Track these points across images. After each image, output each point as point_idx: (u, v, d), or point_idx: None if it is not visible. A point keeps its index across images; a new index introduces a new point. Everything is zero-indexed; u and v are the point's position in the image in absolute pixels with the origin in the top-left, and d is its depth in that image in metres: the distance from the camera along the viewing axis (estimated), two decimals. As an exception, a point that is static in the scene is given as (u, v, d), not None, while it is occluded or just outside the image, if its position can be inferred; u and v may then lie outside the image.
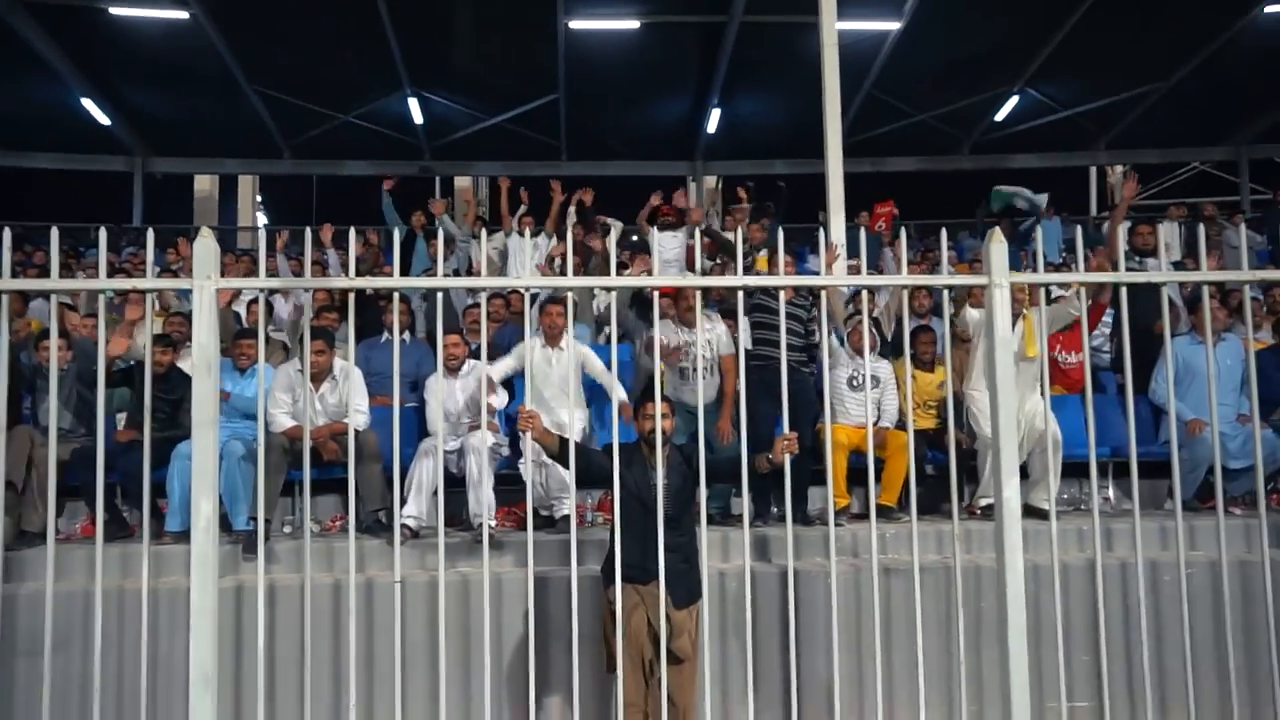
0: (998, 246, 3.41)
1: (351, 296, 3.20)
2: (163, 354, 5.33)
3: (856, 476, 5.54)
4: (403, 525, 4.92)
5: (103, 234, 3.08)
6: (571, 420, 3.84)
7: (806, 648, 4.28)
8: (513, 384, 5.79)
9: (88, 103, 13.84)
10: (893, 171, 16.98)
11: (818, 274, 4.68)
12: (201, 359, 3.08)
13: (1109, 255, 5.85)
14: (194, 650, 3.07)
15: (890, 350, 6.30)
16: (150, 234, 3.17)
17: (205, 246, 3.11)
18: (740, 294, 3.35)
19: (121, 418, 5.71)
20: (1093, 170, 18.47)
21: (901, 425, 5.48)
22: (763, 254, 6.67)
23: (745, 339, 5.11)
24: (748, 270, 5.82)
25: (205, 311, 3.08)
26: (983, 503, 5.54)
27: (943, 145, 16.54)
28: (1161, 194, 19.56)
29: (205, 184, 17.10)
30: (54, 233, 2.99)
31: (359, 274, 3.24)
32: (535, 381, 4.95)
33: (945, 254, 3.49)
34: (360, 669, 4.25)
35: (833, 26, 8.57)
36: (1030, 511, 5.49)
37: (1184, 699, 3.55)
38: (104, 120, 14.37)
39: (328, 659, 4.43)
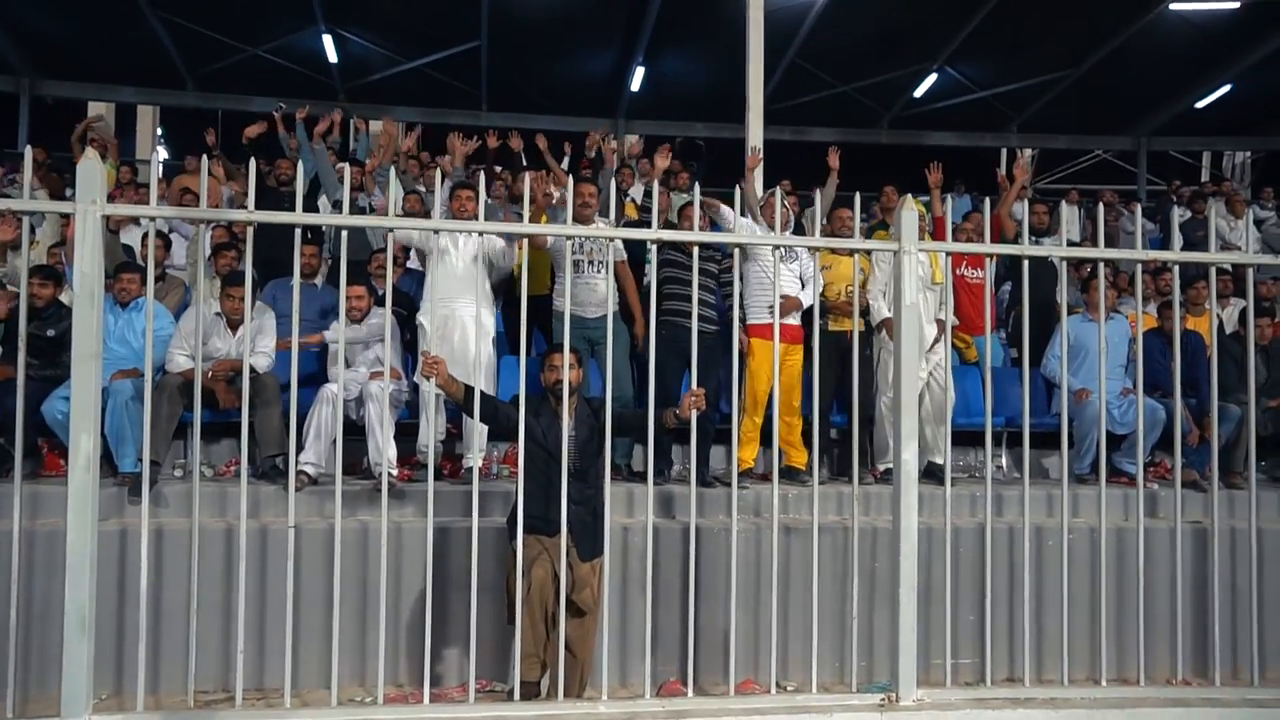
0: (908, 214, 3.47)
1: (250, 231, 3.06)
2: (41, 287, 5.04)
3: (764, 435, 5.58)
4: (300, 471, 4.78)
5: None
6: (479, 316, 3.70)
7: (706, 603, 4.33)
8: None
9: (-29, 17, 12.87)
10: (813, 141, 17.12)
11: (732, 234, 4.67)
12: (84, 288, 2.92)
13: (999, 227, 6.04)
14: (70, 592, 2.94)
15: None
16: (29, 152, 2.96)
17: (90, 168, 2.93)
18: (653, 247, 3.34)
19: None
20: (1004, 151, 18.99)
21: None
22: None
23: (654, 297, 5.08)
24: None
25: (90, 237, 2.91)
26: (883, 467, 5.69)
27: (863, 118, 16.74)
28: (1065, 179, 20.25)
29: (100, 112, 16.15)
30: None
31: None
32: (435, 274, 4.71)
33: (858, 222, 3.55)
34: (252, 617, 4.14)
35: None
36: (929, 474, 5.70)
37: (1058, 655, 3.75)
38: (-12, 37, 13.40)
39: (219, 607, 4.30)
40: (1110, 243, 6.83)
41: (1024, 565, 3.72)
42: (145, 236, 4.16)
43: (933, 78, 15.12)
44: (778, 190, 3.53)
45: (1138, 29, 13.19)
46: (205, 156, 3.41)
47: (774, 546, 3.57)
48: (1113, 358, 5.71)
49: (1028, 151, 19.34)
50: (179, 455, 5.44)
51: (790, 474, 5.47)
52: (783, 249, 5.19)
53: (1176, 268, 3.85)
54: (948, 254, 3.74)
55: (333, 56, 14.05)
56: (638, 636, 4.05)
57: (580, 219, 4.80)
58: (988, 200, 3.79)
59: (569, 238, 3.73)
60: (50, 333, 4.99)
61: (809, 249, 4.66)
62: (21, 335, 2.92)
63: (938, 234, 6.15)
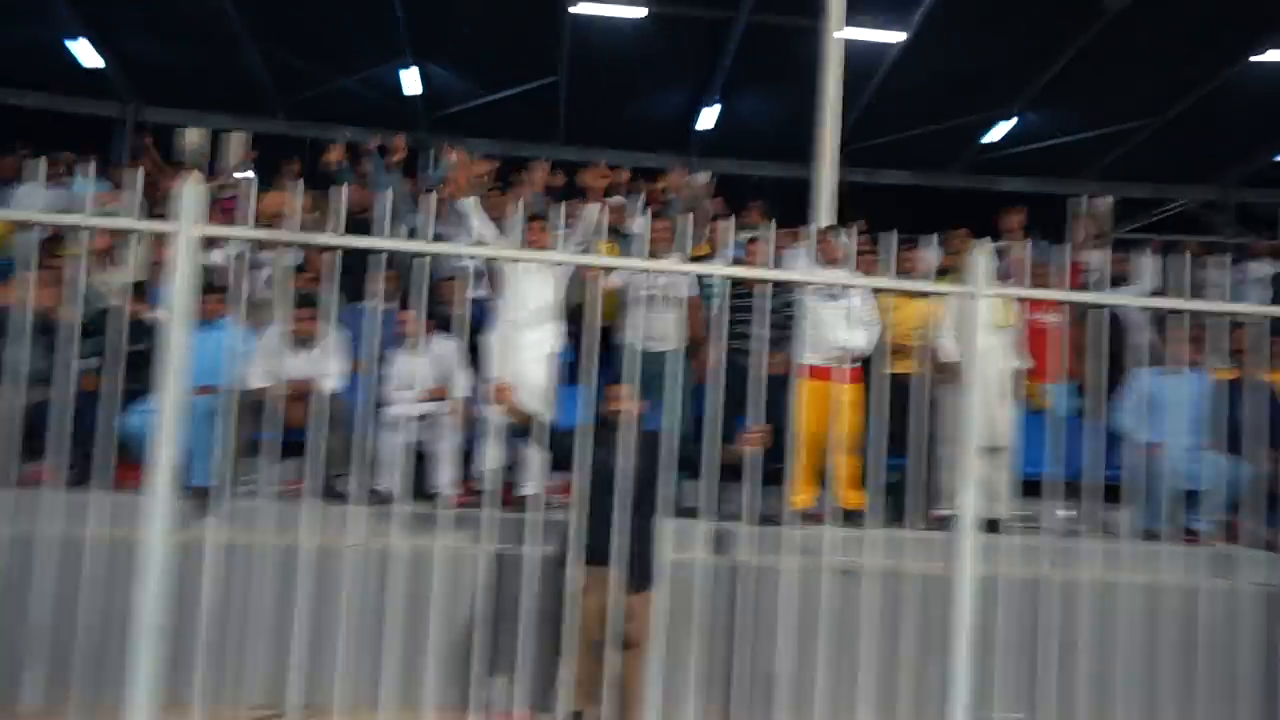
0: (983, 257, 3.45)
1: (338, 256, 3.20)
2: (136, 303, 5.27)
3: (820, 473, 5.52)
4: (373, 490, 4.91)
5: (92, 167, 3.06)
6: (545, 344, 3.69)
7: (756, 643, 4.30)
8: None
9: (82, 43, 13.61)
10: (885, 183, 17.04)
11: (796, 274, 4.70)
12: (179, 307, 3.06)
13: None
14: (144, 602, 3.06)
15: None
16: (140, 174, 3.14)
17: (192, 191, 3.08)
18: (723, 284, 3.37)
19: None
20: (1082, 200, 18.64)
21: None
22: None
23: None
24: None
25: (186, 258, 3.06)
26: (944, 512, 5.59)
27: (936, 161, 16.62)
28: (1146, 229, 19.75)
29: (196, 137, 16.85)
30: (42, 165, 2.96)
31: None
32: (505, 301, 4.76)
33: (932, 262, 3.54)
34: (307, 634, 4.23)
35: (838, 32, 8.59)
36: (991, 525, 5.58)
37: (1114, 715, 3.64)
38: (97, 62, 14.15)
39: (274, 622, 4.40)
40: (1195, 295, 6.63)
41: (1083, 620, 3.63)
42: (231, 258, 4.34)
43: (1010, 122, 14.96)
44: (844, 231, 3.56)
45: (1226, 78, 12.90)
46: (294, 182, 3.57)
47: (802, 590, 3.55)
48: (1188, 412, 5.54)
49: (1106, 199, 18.92)
50: (244, 472, 5.61)
51: (847, 517, 5.41)
52: (833, 289, 5.22)
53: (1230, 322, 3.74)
54: (1020, 299, 3.70)
55: (416, 88, 14.50)
56: (686, 672, 4.04)
57: (653, 255, 4.87)
58: (1066, 248, 3.75)
59: (641, 271, 3.79)
60: (141, 346, 5.19)
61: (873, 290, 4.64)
62: (122, 351, 3.07)
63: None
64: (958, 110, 14.59)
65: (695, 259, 6.53)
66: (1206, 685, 3.59)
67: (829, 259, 5.45)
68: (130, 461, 5.44)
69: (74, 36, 13.36)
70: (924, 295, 5.62)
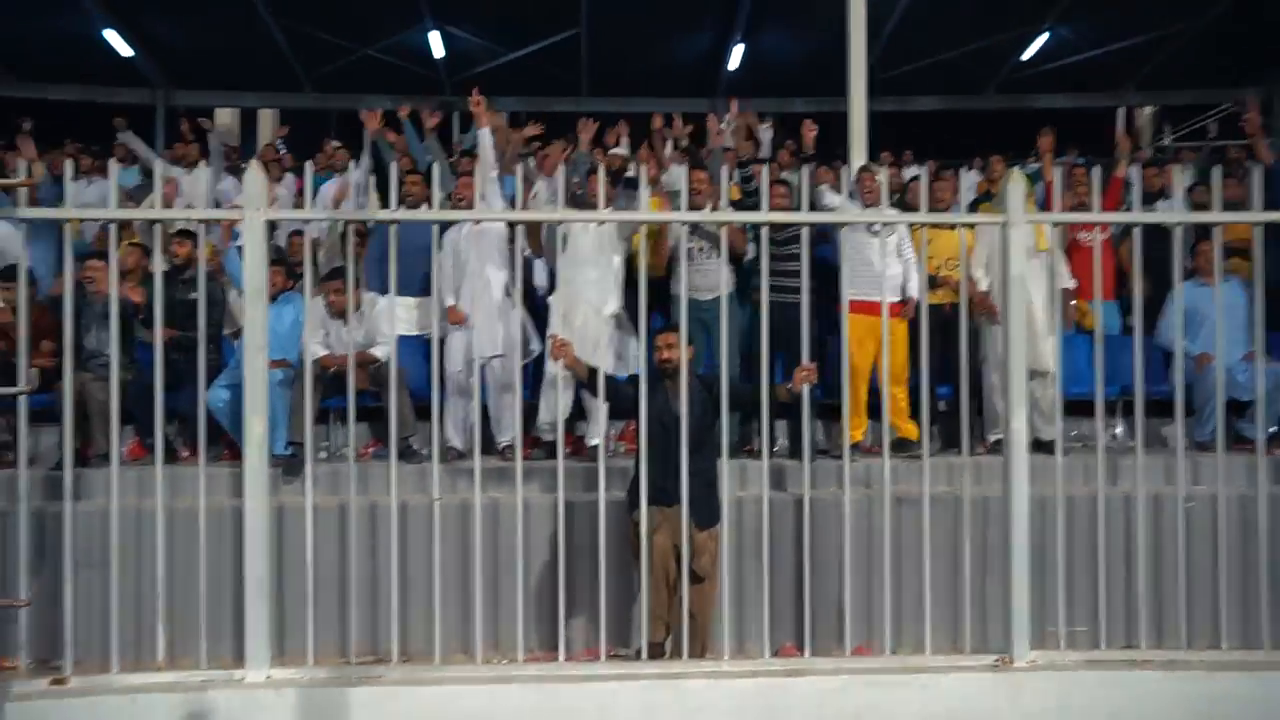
0: (1015, 186, 3.52)
1: (393, 231, 3.35)
2: (180, 245, 5.39)
3: (873, 404, 5.65)
4: (449, 447, 5.12)
5: (158, 165, 3.23)
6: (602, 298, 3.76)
7: (820, 573, 4.47)
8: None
9: (110, 34, 13.82)
10: (918, 110, 16.77)
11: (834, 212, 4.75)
12: (253, 287, 3.26)
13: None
14: (249, 561, 3.31)
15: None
16: (206, 170, 3.32)
17: (255, 178, 3.26)
18: (764, 229, 3.48)
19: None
20: (1121, 111, 18.18)
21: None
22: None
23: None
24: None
25: (255, 242, 3.24)
26: (993, 438, 5.70)
27: (969, 84, 16.30)
28: (1190, 135, 19.24)
29: (225, 118, 17.08)
30: (113, 165, 3.14)
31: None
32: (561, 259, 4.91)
33: (964, 194, 3.61)
34: (397, 589, 4.50)
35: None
36: (1040, 446, 5.67)
37: (1178, 626, 3.76)
38: (126, 51, 14.36)
39: (366, 578, 4.67)
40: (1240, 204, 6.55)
41: (1138, 534, 3.74)
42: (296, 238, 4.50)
43: (1042, 38, 14.61)
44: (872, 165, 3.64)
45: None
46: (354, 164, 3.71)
47: (885, 518, 3.70)
48: (1229, 321, 5.55)
49: (1147, 109, 18.47)
50: (322, 439, 5.87)
51: (902, 446, 5.53)
52: (874, 225, 5.27)
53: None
54: (1053, 224, 3.76)
55: (439, 52, 14.52)
56: (755, 604, 4.24)
57: (693, 206, 4.97)
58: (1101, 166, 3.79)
59: (683, 224, 3.91)
60: (192, 295, 5.40)
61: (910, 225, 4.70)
62: (201, 353, 3.27)
63: (1048, 202, 6.06)
64: (988, 29, 14.26)
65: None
66: (1270, 593, 3.70)
67: (868, 198, 5.50)
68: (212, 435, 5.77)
69: (104, 27, 13.56)
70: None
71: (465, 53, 14.74)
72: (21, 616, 3.58)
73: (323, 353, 5.32)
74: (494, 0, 13.18)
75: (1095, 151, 13.77)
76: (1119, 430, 6.28)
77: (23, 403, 3.43)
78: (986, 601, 4.76)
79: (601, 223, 3.69)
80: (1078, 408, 5.87)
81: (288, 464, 5.10)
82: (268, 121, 18.63)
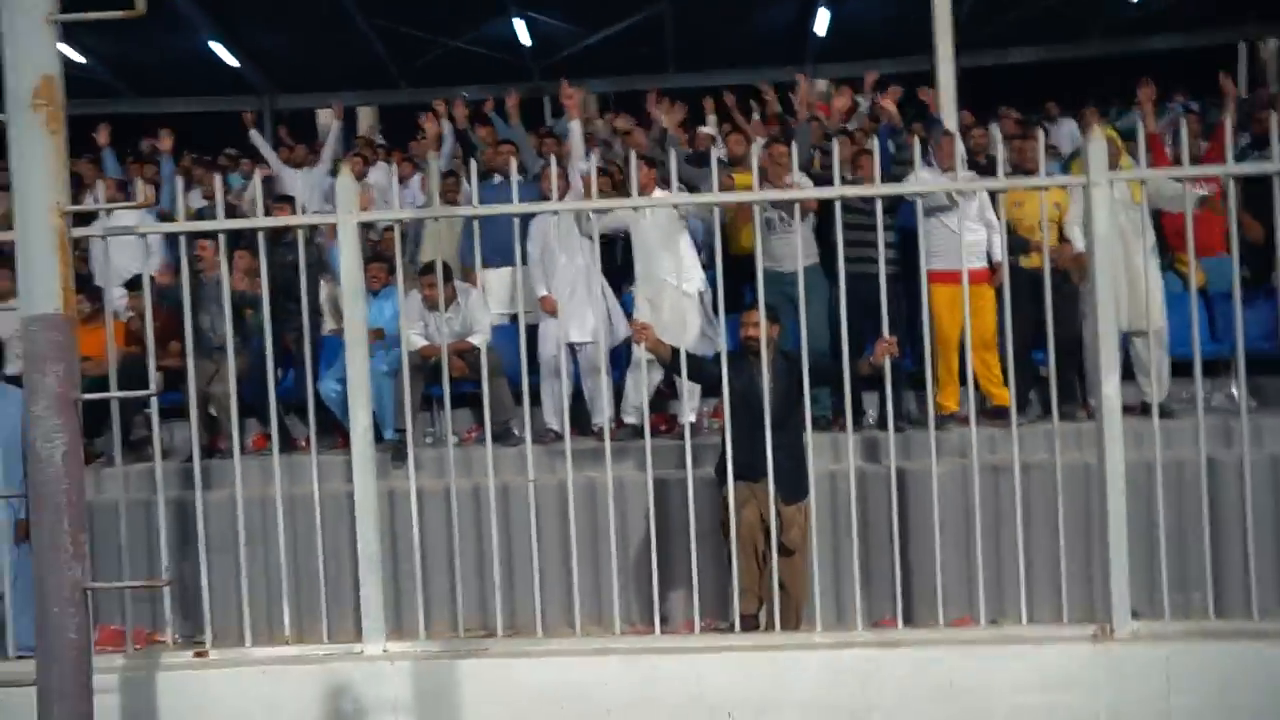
0: (1097, 144, 3.43)
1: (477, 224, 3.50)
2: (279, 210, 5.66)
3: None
4: (547, 429, 5.31)
5: (257, 178, 3.47)
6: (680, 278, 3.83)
7: (917, 544, 4.47)
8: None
9: (216, 46, 14.52)
10: (1016, 63, 16.13)
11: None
12: (350, 287, 3.46)
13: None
14: (361, 541, 3.54)
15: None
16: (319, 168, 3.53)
17: (346, 183, 3.45)
18: (837, 204, 3.49)
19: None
20: (1241, 47, 17.05)
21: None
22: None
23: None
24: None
25: (350, 245, 3.44)
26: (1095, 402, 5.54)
27: (1071, 30, 15.55)
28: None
29: (326, 118, 17.74)
30: (217, 180, 3.38)
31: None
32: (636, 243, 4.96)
33: (1042, 155, 3.54)
34: (501, 566, 4.71)
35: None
36: (1148, 409, 5.49)
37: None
38: (232, 62, 15.07)
39: (471, 557, 4.90)
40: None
41: (1248, 499, 3.62)
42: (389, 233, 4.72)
43: (1149, -28, 13.83)
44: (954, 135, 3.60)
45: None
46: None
47: (976, 488, 3.68)
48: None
49: (1273, 43, 17.27)
50: (427, 425, 6.15)
51: (999, 414, 5.45)
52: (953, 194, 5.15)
53: None
54: (1143, 182, 3.64)
55: (525, 39, 14.73)
56: (851, 578, 4.27)
57: (772, 178, 4.98)
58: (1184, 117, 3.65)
59: (755, 203, 3.95)
60: (290, 258, 5.70)
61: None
62: (309, 379, 3.50)
63: (1155, 154, 5.81)
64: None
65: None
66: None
67: (945, 165, 5.41)
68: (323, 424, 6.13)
69: (210, 40, 14.27)
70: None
71: (550, 37, 14.91)
72: (165, 596, 3.92)
73: (422, 343, 5.57)
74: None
75: (1214, 93, 13.00)
76: (1233, 392, 6.01)
77: (154, 403, 3.74)
78: (1092, 571, 4.68)
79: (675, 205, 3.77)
80: (1184, 368, 5.67)
81: (395, 449, 5.38)
82: (367, 119, 19.29)
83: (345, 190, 3.42)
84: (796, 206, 3.92)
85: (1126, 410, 4.91)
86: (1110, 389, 3.45)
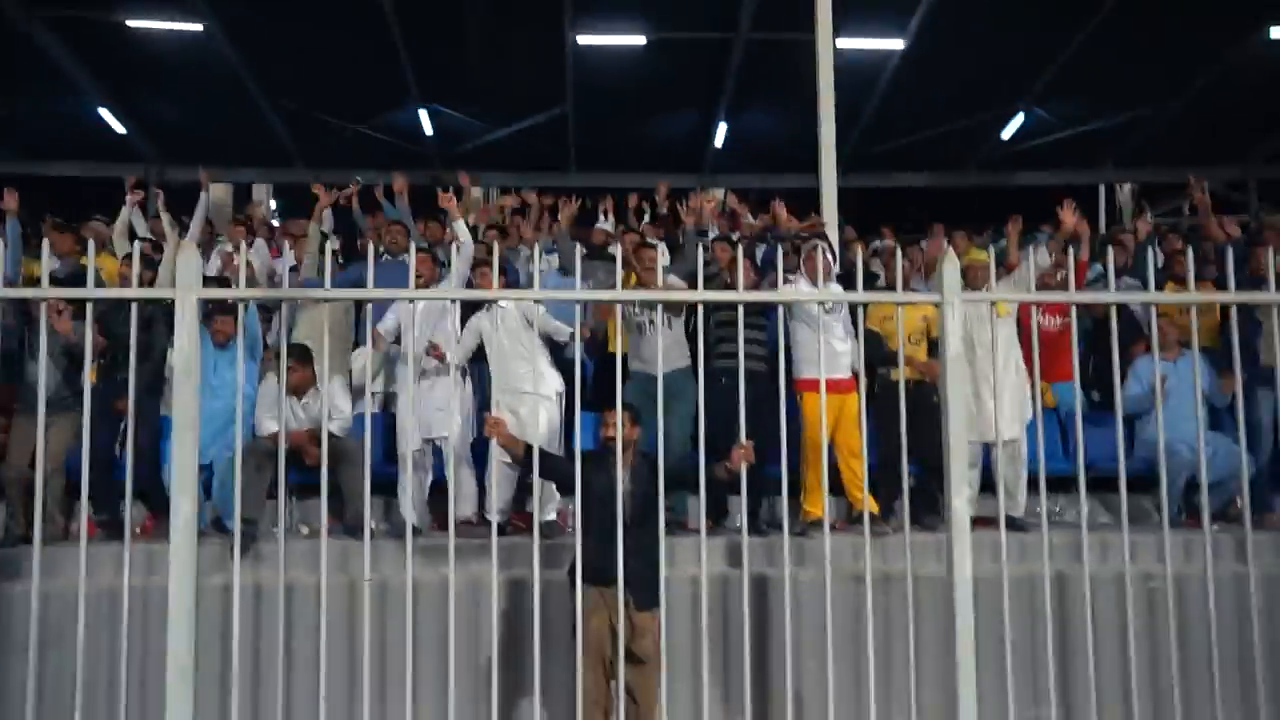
0: (950, 265, 3.54)
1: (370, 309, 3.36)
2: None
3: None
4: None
5: (91, 244, 3.26)
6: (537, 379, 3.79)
7: (775, 656, 4.37)
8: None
9: (105, 112, 14.14)
10: (900, 187, 17.06)
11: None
12: (183, 366, 3.24)
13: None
14: (171, 644, 3.23)
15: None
16: (137, 246, 3.34)
17: (188, 259, 3.28)
18: (700, 307, 3.50)
19: None
20: (1100, 188, 18.47)
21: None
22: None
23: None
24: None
25: (187, 322, 3.24)
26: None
27: (951, 161, 16.61)
28: (1172, 212, 19.49)
29: (220, 192, 17.36)
30: (46, 246, 3.17)
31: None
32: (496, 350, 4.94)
33: (899, 273, 3.64)
34: (340, 668, 4.40)
35: (828, 47, 8.72)
36: (1011, 523, 5.61)
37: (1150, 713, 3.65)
38: (120, 129, 14.67)
39: (309, 659, 4.56)
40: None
41: (1090, 616, 3.67)
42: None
43: (1020, 118, 14.93)
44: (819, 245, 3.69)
45: (1238, 57, 12.79)
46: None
47: (827, 598, 3.63)
48: (1187, 396, 5.57)
49: (1127, 187, 18.76)
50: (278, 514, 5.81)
51: (861, 520, 5.47)
52: (826, 302, 5.27)
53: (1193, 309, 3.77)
54: (993, 304, 3.77)
55: (428, 129, 14.84)
56: (707, 687, 4.13)
57: (644, 280, 5.00)
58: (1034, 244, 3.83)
59: (620, 303, 3.93)
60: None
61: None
62: (130, 425, 3.25)
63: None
64: (968, 110, 14.58)
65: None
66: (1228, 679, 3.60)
67: (812, 273, 5.55)
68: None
69: (99, 105, 13.90)
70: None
71: (454, 129, 15.07)
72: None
73: (274, 427, 5.30)
74: (480, 81, 13.51)
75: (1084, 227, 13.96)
76: (1083, 508, 6.21)
77: None
78: (952, 683, 4.65)
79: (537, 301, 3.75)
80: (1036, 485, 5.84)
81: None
82: (262, 196, 18.95)
83: (186, 265, 3.25)
84: (659, 309, 3.92)
85: (986, 523, 5.02)
86: (960, 502, 3.48)
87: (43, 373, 3.21)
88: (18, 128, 14.87)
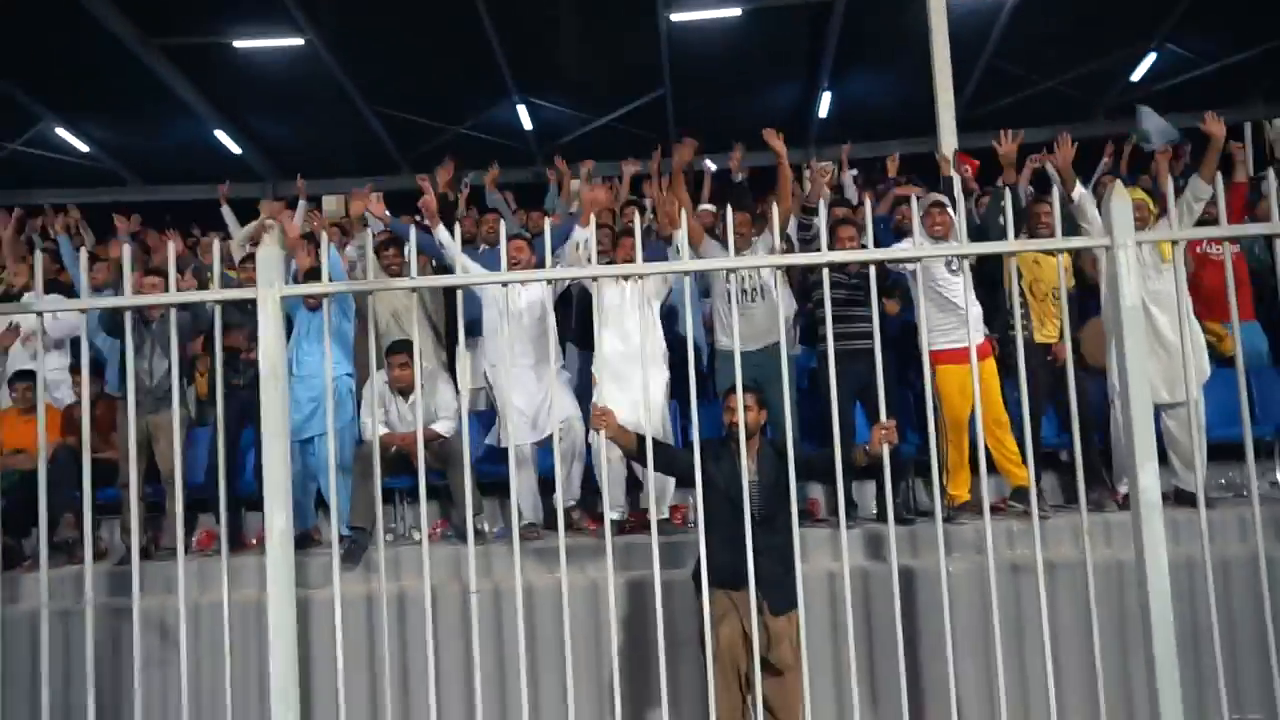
0: (1120, 202, 3.02)
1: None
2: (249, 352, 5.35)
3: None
4: (526, 527, 4.84)
5: (171, 249, 3.11)
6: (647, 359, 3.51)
7: (931, 652, 3.93)
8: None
9: (220, 134, 14.58)
10: (1027, 143, 16.03)
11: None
12: (269, 368, 3.05)
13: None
14: (274, 666, 3.04)
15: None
16: (216, 246, 3.16)
17: (268, 254, 3.08)
18: (825, 271, 3.08)
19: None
20: (1247, 126, 16.92)
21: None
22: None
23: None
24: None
25: (271, 320, 3.05)
26: (1124, 490, 5.03)
27: (1074, 112, 15.50)
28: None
29: (332, 204, 17.75)
30: (125, 249, 3.02)
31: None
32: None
33: (1058, 216, 3.13)
34: (454, 678, 4.18)
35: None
36: (1181, 497, 4.97)
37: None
38: (235, 150, 15.12)
39: (419, 668, 4.38)
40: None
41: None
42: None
43: (1151, 58, 13.77)
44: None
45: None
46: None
47: (993, 587, 3.17)
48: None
49: (1277, 122, 17.14)
50: (390, 520, 5.66)
51: (1020, 496, 4.93)
52: (951, 261, 4.72)
53: None
54: (1174, 241, 3.21)
55: (527, 124, 14.76)
56: (853, 692, 3.72)
57: (738, 248, 4.59)
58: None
59: (729, 271, 3.53)
60: (240, 382, 5.27)
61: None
62: (221, 445, 3.08)
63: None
64: (1092, 53, 13.55)
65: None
66: None
67: (936, 232, 5.03)
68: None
69: (214, 129, 14.36)
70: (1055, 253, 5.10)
71: (553, 122, 14.95)
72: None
73: (382, 430, 5.12)
74: (576, 70, 13.31)
75: (1226, 170, 12.77)
76: (1278, 476, 5.49)
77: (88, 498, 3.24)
78: (1131, 683, 4.12)
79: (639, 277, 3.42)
80: (1222, 451, 5.15)
81: (346, 548, 4.83)
82: (330, 204, 19.31)
83: (267, 262, 3.04)
84: (775, 273, 3.51)
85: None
86: (1148, 479, 2.95)
87: (130, 378, 3.07)
88: (141, 155, 15.52)
